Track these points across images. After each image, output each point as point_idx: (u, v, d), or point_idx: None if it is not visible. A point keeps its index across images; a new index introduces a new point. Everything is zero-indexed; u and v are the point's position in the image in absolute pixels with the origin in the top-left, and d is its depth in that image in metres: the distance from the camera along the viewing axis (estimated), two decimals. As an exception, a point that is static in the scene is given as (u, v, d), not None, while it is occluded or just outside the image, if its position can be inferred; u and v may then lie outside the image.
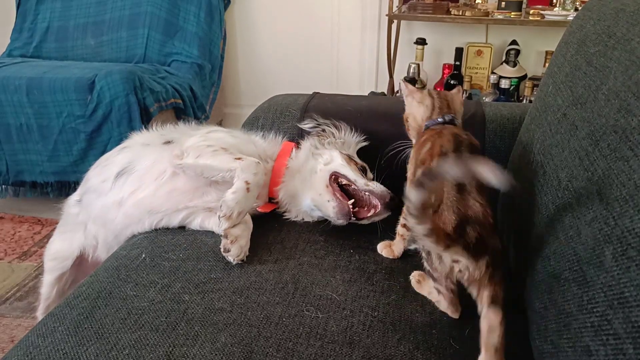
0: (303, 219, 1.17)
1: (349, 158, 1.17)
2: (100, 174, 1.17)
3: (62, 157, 2.40)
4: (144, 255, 1.02)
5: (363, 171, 1.17)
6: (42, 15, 2.98)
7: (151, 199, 1.10)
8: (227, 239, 0.97)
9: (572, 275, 0.64)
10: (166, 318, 0.83)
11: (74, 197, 1.27)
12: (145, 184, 1.11)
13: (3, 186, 2.62)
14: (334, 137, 1.24)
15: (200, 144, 1.09)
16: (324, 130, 1.26)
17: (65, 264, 1.29)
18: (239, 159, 1.06)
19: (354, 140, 1.26)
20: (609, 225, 0.58)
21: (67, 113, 2.32)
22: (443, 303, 0.86)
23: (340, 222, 1.08)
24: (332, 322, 0.82)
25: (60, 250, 1.28)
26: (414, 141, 1.04)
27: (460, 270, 0.77)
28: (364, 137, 1.27)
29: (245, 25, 3.21)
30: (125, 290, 0.91)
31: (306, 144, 1.23)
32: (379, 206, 1.09)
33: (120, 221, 1.13)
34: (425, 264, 0.84)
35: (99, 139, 2.33)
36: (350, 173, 1.13)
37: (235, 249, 0.97)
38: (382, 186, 1.12)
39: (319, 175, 1.14)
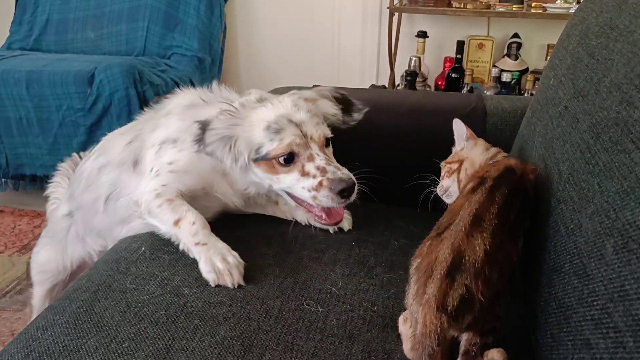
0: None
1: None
2: (90, 192, 1.15)
3: (62, 150, 2.40)
4: (143, 249, 1.01)
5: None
6: (42, 7, 2.97)
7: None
8: (218, 273, 0.90)
9: (573, 268, 0.64)
10: (166, 311, 0.83)
11: (60, 212, 1.24)
12: (136, 214, 1.09)
13: (3, 180, 2.62)
14: None
15: (149, 194, 1.02)
16: None
17: (59, 277, 1.29)
18: (178, 222, 0.98)
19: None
20: (609, 218, 0.58)
21: (67, 106, 2.32)
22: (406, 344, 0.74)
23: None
24: (331, 316, 0.82)
25: (50, 261, 1.26)
26: (447, 182, 0.99)
27: None
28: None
29: (245, 18, 3.20)
30: (124, 283, 0.91)
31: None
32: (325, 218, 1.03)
33: (128, 233, 1.12)
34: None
35: (99, 132, 2.32)
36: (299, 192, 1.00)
37: (233, 273, 0.90)
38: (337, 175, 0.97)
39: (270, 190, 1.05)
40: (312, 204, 1.00)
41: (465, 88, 2.72)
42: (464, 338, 0.70)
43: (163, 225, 1.00)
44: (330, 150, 1.04)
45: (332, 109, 1.09)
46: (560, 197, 0.74)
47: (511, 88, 2.62)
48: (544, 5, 2.54)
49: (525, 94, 2.61)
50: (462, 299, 0.65)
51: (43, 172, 2.49)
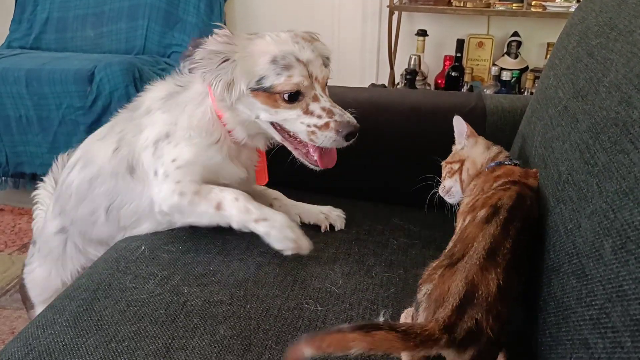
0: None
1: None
2: (85, 206, 1.11)
3: (62, 149, 2.36)
4: (143, 248, 1.02)
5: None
6: (42, 6, 2.96)
7: (156, 228, 1.10)
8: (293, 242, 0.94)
9: (572, 268, 0.64)
10: (165, 310, 0.83)
11: (50, 229, 1.18)
12: (144, 218, 1.09)
13: (3, 178, 2.62)
14: None
15: (171, 197, 1.00)
16: None
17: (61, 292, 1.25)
18: (219, 207, 0.98)
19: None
20: (608, 219, 0.58)
21: (67, 104, 2.32)
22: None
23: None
24: (331, 315, 0.82)
25: (50, 279, 1.20)
26: (449, 182, 0.99)
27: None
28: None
29: (245, 17, 3.20)
30: (124, 282, 0.91)
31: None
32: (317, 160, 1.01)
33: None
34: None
35: (99, 130, 2.33)
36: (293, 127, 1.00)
37: (300, 239, 0.95)
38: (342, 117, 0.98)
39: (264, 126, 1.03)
40: (306, 141, 0.99)
41: (465, 87, 2.71)
42: None
43: (204, 217, 1.00)
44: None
45: (327, 52, 1.09)
46: (560, 197, 0.74)
47: (511, 87, 2.62)
48: (543, 3, 2.54)
49: (525, 93, 2.60)
50: (469, 332, 0.64)
51: (43, 171, 2.47)
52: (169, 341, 0.76)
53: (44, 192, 1.35)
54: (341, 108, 1.00)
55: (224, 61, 0.96)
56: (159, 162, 1.03)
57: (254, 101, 0.98)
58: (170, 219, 1.04)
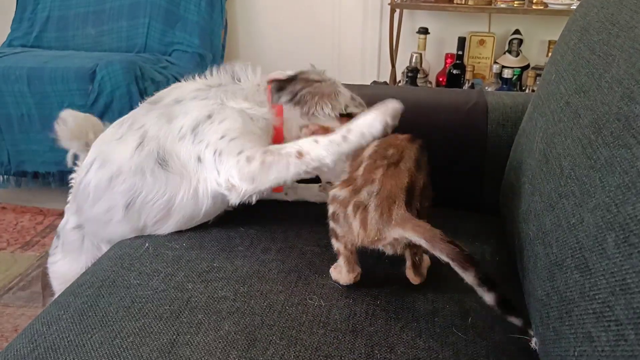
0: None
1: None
2: (101, 205, 1.07)
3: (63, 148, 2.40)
4: (147, 244, 1.02)
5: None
6: (42, 4, 2.97)
7: (184, 224, 1.07)
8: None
9: (574, 263, 0.64)
10: (170, 306, 0.83)
11: (69, 225, 1.18)
12: (173, 216, 1.05)
13: (5, 176, 2.63)
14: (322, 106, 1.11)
15: (236, 169, 0.96)
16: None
17: None
18: (300, 154, 0.94)
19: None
20: (611, 213, 0.58)
21: (69, 103, 2.32)
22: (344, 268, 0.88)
23: None
24: (335, 310, 0.83)
25: (70, 272, 1.21)
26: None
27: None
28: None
29: (246, 15, 3.20)
30: (128, 279, 0.91)
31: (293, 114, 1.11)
32: None
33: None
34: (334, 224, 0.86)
35: (101, 129, 2.33)
36: None
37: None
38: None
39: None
40: None
41: (466, 84, 2.72)
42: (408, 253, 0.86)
43: (286, 172, 0.94)
44: None
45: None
46: (562, 192, 0.74)
47: (512, 84, 2.63)
48: (545, 1, 2.54)
49: (527, 91, 2.61)
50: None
51: (45, 169, 2.50)
52: (174, 337, 0.77)
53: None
54: None
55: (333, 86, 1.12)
56: (201, 145, 0.99)
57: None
58: (239, 193, 0.96)
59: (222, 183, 0.97)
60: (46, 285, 1.32)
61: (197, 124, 1.01)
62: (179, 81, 1.18)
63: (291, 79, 1.08)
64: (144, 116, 1.07)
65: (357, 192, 0.82)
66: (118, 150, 1.06)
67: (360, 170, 0.86)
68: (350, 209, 0.82)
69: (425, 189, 0.85)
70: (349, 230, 0.82)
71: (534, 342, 0.77)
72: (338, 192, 0.85)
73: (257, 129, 1.04)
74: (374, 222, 0.79)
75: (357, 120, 0.93)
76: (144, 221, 1.06)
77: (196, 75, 1.14)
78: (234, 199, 0.98)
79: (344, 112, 1.10)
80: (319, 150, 0.93)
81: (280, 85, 1.06)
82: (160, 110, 1.06)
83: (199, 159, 1.00)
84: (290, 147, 0.95)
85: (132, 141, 1.04)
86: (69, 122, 1.27)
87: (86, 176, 1.10)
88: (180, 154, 1.01)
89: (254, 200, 0.99)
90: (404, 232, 0.77)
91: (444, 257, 0.74)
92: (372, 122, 0.92)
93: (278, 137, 1.07)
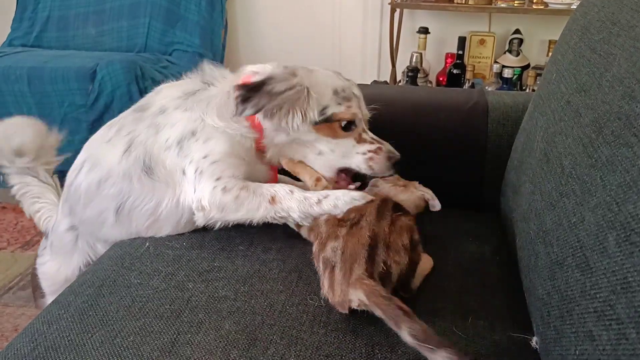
0: None
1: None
2: (92, 208, 1.08)
3: (64, 147, 2.38)
4: (147, 244, 1.02)
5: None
6: (43, 4, 2.97)
7: (174, 230, 1.08)
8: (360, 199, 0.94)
9: (575, 262, 0.64)
10: (170, 306, 0.83)
11: (61, 227, 1.18)
12: (161, 222, 1.06)
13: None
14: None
15: (212, 194, 0.97)
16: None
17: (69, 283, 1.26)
18: (274, 200, 0.97)
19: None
20: (612, 212, 0.58)
21: (69, 102, 2.32)
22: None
23: None
24: (335, 310, 0.83)
25: (60, 273, 1.22)
26: None
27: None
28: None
29: (246, 14, 3.20)
30: (129, 279, 0.91)
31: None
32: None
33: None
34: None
35: (101, 128, 2.33)
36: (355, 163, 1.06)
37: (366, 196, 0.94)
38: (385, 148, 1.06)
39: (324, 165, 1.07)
40: (364, 171, 1.05)
41: (466, 84, 2.72)
42: None
43: (255, 212, 0.97)
44: None
45: (360, 93, 1.12)
46: (563, 191, 0.74)
47: (512, 84, 2.63)
48: (545, 0, 2.54)
49: (527, 90, 2.61)
50: (381, 275, 0.78)
51: (45, 169, 2.50)
52: (175, 336, 0.77)
53: (35, 188, 1.32)
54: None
55: (300, 93, 0.98)
56: (186, 160, 1.00)
57: (315, 135, 1.02)
58: (206, 216, 0.99)
59: (195, 201, 1.00)
60: (37, 287, 1.30)
61: (182, 138, 1.02)
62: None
63: (258, 87, 0.96)
64: (132, 123, 1.07)
65: (323, 250, 0.84)
66: (107, 153, 1.06)
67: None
68: (320, 264, 0.84)
69: (395, 233, 0.84)
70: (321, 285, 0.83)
71: (534, 342, 0.77)
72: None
73: (241, 150, 1.03)
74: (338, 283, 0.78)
75: (337, 192, 0.96)
76: (135, 226, 1.07)
77: (176, 79, 1.13)
78: (200, 220, 1.01)
79: (317, 120, 1.00)
80: (291, 203, 0.97)
81: (244, 96, 0.95)
82: (147, 120, 1.05)
83: (184, 172, 1.01)
84: (266, 190, 0.98)
85: (120, 145, 1.05)
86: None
87: (76, 178, 1.10)
88: (166, 163, 1.02)
89: (217, 227, 1.01)
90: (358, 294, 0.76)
91: (377, 313, 0.73)
92: (346, 199, 0.94)
93: (259, 148, 1.06)
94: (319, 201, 0.95)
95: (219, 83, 1.07)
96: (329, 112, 1.01)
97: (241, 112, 0.96)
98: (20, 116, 1.32)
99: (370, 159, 1.04)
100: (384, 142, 1.06)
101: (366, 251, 0.78)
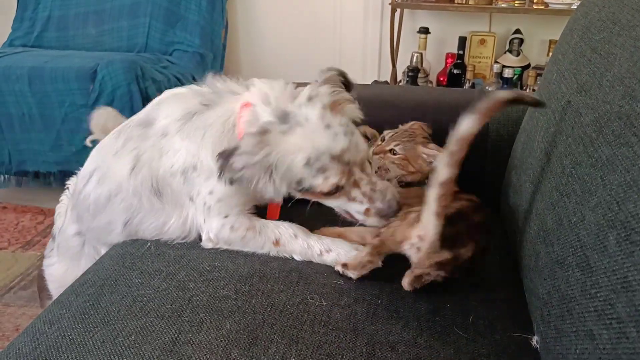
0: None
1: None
2: (101, 219, 1.10)
3: (64, 147, 2.41)
4: (148, 244, 1.02)
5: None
6: (43, 4, 2.97)
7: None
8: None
9: (576, 261, 0.64)
10: (171, 305, 0.83)
11: (69, 231, 1.20)
12: (167, 237, 1.06)
13: (6, 176, 2.63)
14: None
15: (221, 232, 1.01)
16: None
17: None
18: (277, 243, 1.00)
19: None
20: (612, 211, 0.58)
21: (69, 102, 2.32)
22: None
23: None
24: (336, 310, 0.83)
25: (67, 275, 1.22)
26: None
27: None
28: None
29: (246, 14, 3.20)
30: (130, 278, 0.91)
31: None
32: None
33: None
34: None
35: (102, 128, 2.34)
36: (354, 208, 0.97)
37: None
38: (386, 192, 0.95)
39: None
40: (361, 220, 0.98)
41: (467, 84, 2.72)
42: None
43: (259, 249, 1.01)
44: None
45: (357, 112, 1.02)
46: (564, 190, 0.74)
47: (513, 84, 2.63)
48: (545, 1, 2.54)
49: (527, 90, 2.61)
50: None
51: (46, 169, 2.50)
52: (176, 336, 0.77)
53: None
54: (380, 183, 0.95)
55: (263, 170, 0.91)
56: (194, 190, 1.02)
57: (301, 196, 0.97)
58: (214, 246, 1.03)
59: (204, 231, 1.03)
60: (43, 288, 1.32)
61: (185, 170, 1.01)
62: (179, 81, 1.16)
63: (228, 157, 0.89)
64: (137, 139, 1.06)
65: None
66: (115, 167, 1.07)
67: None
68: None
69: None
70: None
71: (534, 341, 0.77)
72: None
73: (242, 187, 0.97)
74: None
75: (339, 248, 0.98)
76: (142, 237, 1.08)
77: (184, 89, 1.10)
78: (208, 246, 1.04)
79: (296, 190, 0.95)
80: (294, 247, 0.99)
81: (223, 162, 0.89)
82: (151, 140, 1.04)
83: (191, 199, 1.03)
84: (271, 232, 1.01)
85: (126, 162, 1.05)
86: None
87: (85, 188, 1.11)
88: (172, 187, 1.03)
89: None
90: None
91: None
92: (349, 254, 0.95)
93: None
94: (321, 253, 0.98)
95: (217, 106, 1.02)
96: (306, 184, 0.91)
97: (221, 177, 0.91)
98: (104, 106, 1.48)
99: (366, 214, 0.95)
100: (377, 196, 0.93)
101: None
